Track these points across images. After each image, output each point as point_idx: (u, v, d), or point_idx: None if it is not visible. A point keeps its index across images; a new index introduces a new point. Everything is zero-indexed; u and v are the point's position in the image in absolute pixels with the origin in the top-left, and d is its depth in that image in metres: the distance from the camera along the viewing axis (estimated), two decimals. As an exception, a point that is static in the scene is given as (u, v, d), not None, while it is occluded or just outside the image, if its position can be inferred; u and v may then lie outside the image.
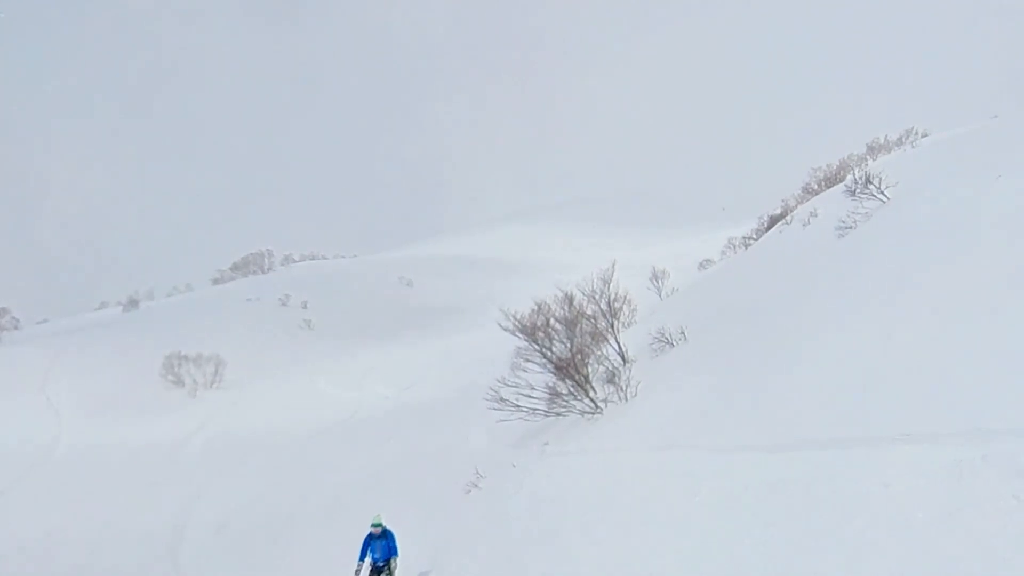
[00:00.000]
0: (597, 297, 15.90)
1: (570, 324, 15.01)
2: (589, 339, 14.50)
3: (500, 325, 15.23)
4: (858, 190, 13.67)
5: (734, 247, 38.38)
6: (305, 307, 55.28)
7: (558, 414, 13.02)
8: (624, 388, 11.22)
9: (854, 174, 16.14)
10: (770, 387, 7.43)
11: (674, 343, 13.17)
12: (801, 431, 5.99)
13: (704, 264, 44.62)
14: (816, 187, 30.46)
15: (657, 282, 34.27)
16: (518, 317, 15.26)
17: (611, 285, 16.02)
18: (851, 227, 12.85)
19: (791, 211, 26.28)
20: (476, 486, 10.67)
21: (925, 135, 32.93)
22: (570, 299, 16.15)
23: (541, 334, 14.89)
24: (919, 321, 6.68)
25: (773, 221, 32.33)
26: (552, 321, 15.35)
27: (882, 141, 36.98)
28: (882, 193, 13.16)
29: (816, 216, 17.67)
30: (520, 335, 15.07)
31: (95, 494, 23.89)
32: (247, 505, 20.21)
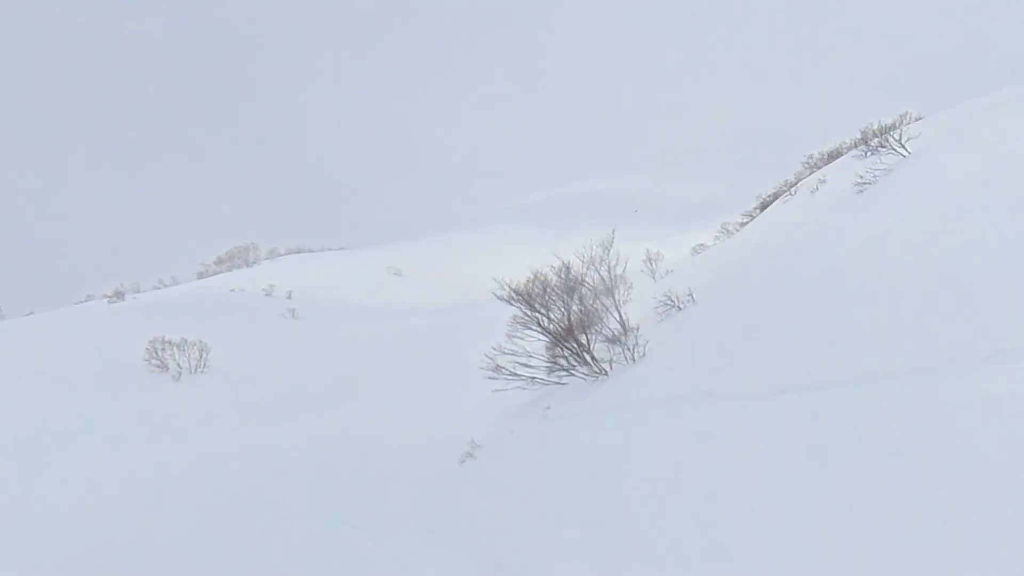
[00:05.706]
0: (597, 264, 15.01)
1: (569, 292, 14.16)
2: (590, 304, 13.63)
3: (495, 294, 14.35)
4: (876, 144, 12.88)
5: (728, 232, 37.65)
6: (290, 297, 53.75)
7: (559, 382, 12.16)
8: (631, 348, 10.33)
9: (866, 132, 15.33)
10: (814, 312, 6.51)
11: (681, 306, 12.32)
12: (861, 361, 4.99)
13: (698, 248, 43.87)
14: (816, 165, 29.72)
15: (651, 264, 33.58)
16: (514, 286, 14.41)
17: (611, 251, 15.12)
18: (870, 182, 12.06)
19: (792, 186, 25.47)
20: (471, 455, 9.73)
21: (919, 118, 32.37)
22: (568, 267, 15.28)
23: (539, 303, 14.04)
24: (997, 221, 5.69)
25: (765, 205, 31.56)
26: (549, 290, 14.50)
27: (875, 127, 36.40)
28: (903, 147, 12.38)
29: (825, 182, 16.92)
30: (516, 304, 14.20)
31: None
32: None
